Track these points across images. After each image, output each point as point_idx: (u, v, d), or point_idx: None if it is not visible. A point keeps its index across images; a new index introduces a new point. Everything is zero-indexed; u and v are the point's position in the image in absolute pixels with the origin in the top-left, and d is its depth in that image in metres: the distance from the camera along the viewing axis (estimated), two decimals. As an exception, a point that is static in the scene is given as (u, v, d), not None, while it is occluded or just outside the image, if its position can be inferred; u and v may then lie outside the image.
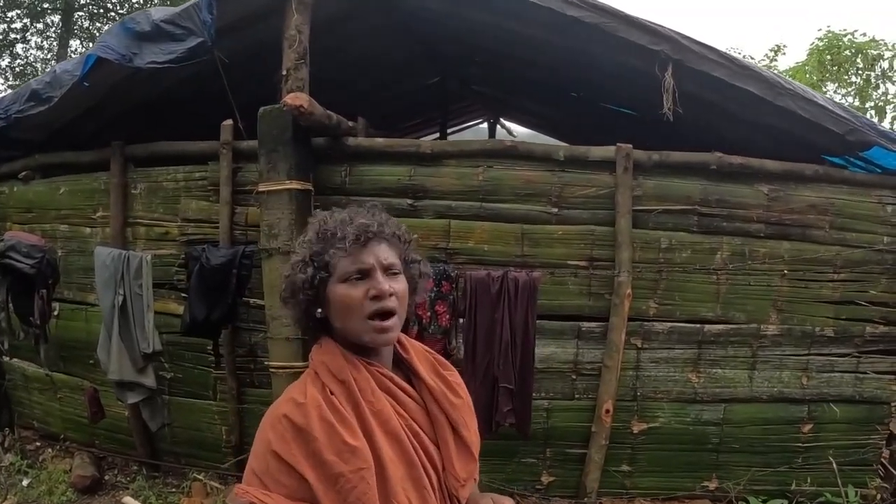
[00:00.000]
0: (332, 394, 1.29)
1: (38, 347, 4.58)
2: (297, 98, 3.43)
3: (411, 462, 1.30)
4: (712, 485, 4.11)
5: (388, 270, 1.33)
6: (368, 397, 1.30)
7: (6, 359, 5.23)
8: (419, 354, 1.47)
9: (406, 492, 1.27)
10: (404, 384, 1.39)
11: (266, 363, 3.81)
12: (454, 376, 1.49)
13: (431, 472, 1.34)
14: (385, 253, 1.34)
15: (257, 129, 3.66)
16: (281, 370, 3.61)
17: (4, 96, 4.86)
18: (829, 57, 11.09)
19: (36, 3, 17.90)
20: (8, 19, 18.12)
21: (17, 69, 18.83)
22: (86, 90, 4.05)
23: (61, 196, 4.73)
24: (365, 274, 1.31)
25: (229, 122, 4.04)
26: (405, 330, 1.47)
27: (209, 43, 3.70)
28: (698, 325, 3.99)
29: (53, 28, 18.79)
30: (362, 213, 1.38)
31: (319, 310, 1.36)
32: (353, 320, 1.30)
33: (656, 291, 3.95)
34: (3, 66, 18.70)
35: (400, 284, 1.35)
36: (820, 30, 11.45)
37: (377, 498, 1.22)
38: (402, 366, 1.43)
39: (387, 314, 1.30)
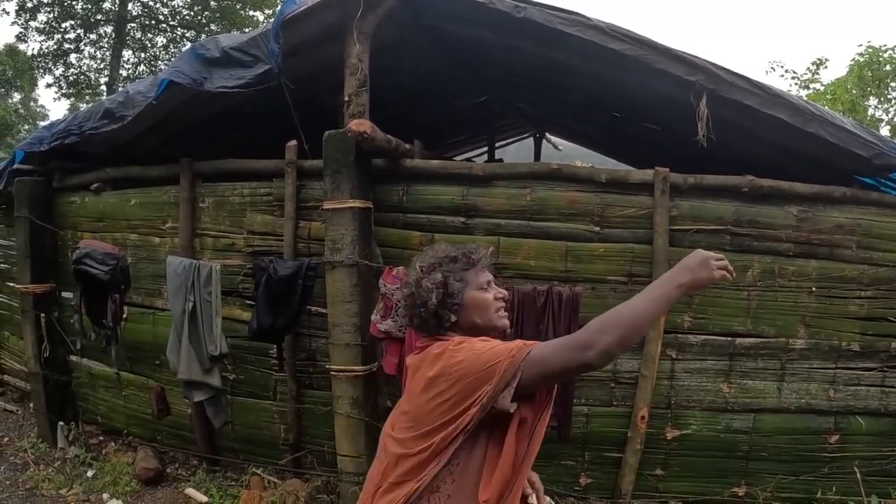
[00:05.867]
0: None
1: (108, 348, 4.90)
2: (361, 125, 3.69)
3: None
4: (741, 491, 4.23)
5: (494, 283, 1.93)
6: None
7: (75, 358, 5.56)
8: None
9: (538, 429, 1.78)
10: None
11: (326, 366, 4.07)
12: None
13: None
14: (491, 273, 1.96)
15: (322, 152, 3.90)
16: (341, 373, 3.87)
17: (77, 113, 5.18)
18: (869, 73, 11.02)
19: (90, 14, 18.45)
20: (62, 30, 18.69)
21: (71, 78, 19.40)
22: (154, 108, 4.35)
23: (132, 207, 5.05)
24: (489, 284, 1.89)
25: (294, 142, 4.30)
26: None
27: (276, 70, 3.97)
28: (730, 339, 4.13)
29: (106, 39, 19.41)
30: (467, 247, 1.97)
31: (454, 317, 1.84)
32: (489, 313, 1.86)
33: (690, 306, 4.11)
34: (58, 74, 19.26)
35: None
36: (860, 45, 11.30)
37: None
38: None
39: (506, 308, 1.91)
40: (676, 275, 1.67)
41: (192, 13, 20.19)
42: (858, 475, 4.14)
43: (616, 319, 1.62)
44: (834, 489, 4.20)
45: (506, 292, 1.92)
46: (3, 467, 5.07)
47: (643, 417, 4.06)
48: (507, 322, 1.90)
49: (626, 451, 4.15)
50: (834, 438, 4.22)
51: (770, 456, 4.23)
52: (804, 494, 4.23)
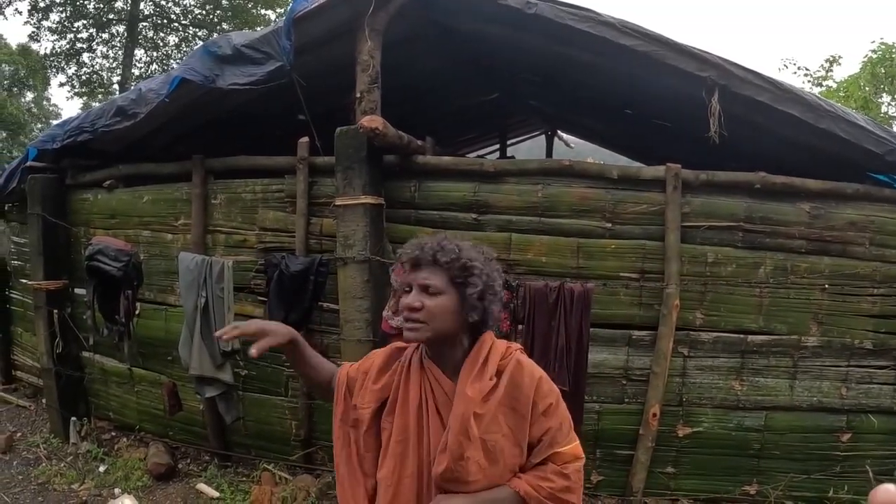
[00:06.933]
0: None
1: (121, 344, 4.92)
2: (372, 121, 3.70)
3: (405, 428, 1.72)
4: (752, 489, 4.21)
5: (425, 290, 1.67)
6: (410, 374, 1.77)
7: (87, 354, 5.59)
8: (473, 363, 1.69)
9: (395, 443, 1.71)
10: (444, 379, 1.72)
11: (338, 363, 4.06)
12: (472, 391, 1.64)
13: (423, 446, 1.70)
14: (426, 275, 1.68)
15: (334, 148, 3.91)
16: (352, 369, 3.88)
17: (90, 111, 5.20)
18: (882, 70, 10.96)
19: (102, 13, 18.62)
20: (75, 29, 18.87)
21: (84, 77, 19.59)
22: (166, 106, 4.38)
23: (144, 204, 5.07)
24: (408, 291, 1.69)
25: (305, 139, 4.31)
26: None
27: (287, 67, 3.99)
28: (742, 336, 4.12)
29: (118, 38, 19.60)
30: (424, 243, 1.73)
31: None
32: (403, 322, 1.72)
33: (702, 303, 4.10)
34: (70, 74, 19.44)
35: (434, 301, 1.66)
36: (874, 42, 11.24)
37: (368, 423, 1.77)
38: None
39: (409, 320, 1.67)
40: None
41: (204, 12, 20.35)
42: (870, 474, 4.12)
43: None
44: (846, 488, 4.18)
45: (411, 301, 1.67)
46: (15, 462, 5.11)
47: (655, 415, 4.05)
48: (411, 336, 1.67)
49: (637, 449, 4.14)
50: (846, 437, 4.20)
51: (782, 454, 4.22)
52: (816, 493, 4.21)
